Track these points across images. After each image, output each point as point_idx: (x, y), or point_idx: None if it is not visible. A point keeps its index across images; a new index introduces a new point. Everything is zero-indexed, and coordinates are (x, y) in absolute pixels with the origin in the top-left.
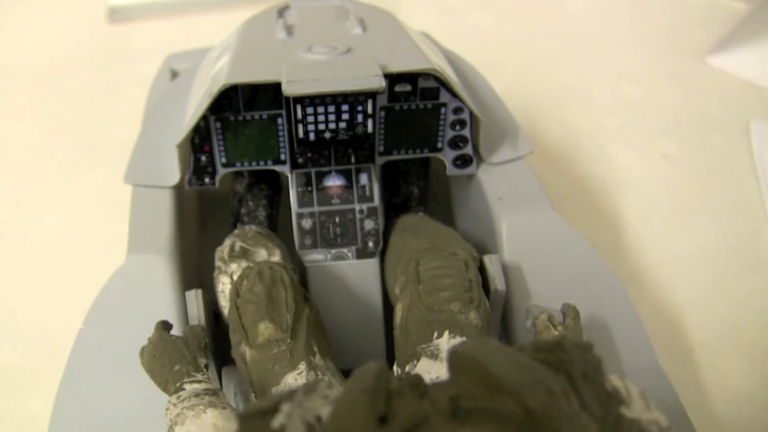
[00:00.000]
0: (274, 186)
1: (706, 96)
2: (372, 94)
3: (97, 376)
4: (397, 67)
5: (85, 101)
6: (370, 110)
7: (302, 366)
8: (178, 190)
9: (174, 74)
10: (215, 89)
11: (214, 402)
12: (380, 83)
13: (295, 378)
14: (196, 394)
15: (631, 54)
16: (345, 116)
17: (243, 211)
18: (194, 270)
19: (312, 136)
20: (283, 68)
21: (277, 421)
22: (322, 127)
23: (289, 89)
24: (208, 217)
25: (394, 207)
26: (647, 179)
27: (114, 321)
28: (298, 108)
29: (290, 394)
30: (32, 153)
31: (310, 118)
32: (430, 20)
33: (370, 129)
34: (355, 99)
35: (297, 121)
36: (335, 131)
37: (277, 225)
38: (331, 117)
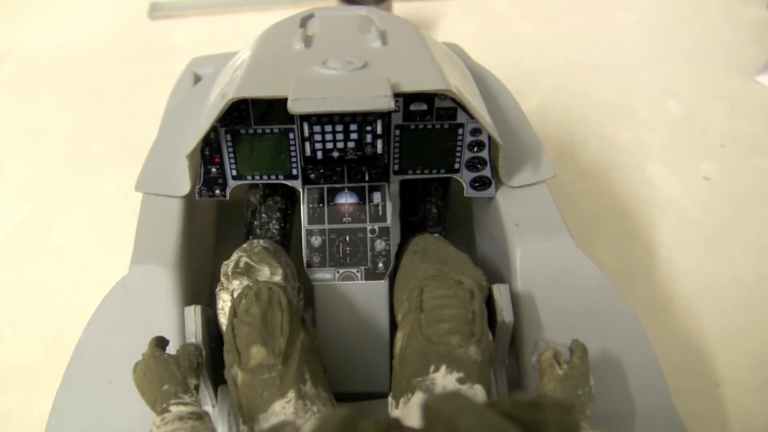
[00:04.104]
0: (289, 199)
1: (754, 116)
2: (382, 115)
3: (94, 387)
4: (410, 87)
5: (119, 97)
6: (379, 131)
7: (291, 394)
8: (189, 200)
9: (197, 79)
10: (224, 102)
11: (197, 428)
12: (389, 104)
13: (282, 406)
14: (180, 418)
15: (677, 69)
16: (353, 136)
17: (256, 223)
18: (208, 282)
19: (319, 155)
20: (290, 84)
21: None
22: (330, 146)
23: (294, 107)
24: (225, 227)
25: (410, 226)
26: (685, 201)
27: (114, 332)
28: (305, 126)
29: None
30: (63, 146)
31: (317, 137)
32: (471, 27)
33: (379, 150)
34: (363, 119)
35: (304, 139)
36: (343, 150)
37: (290, 239)
38: (339, 136)
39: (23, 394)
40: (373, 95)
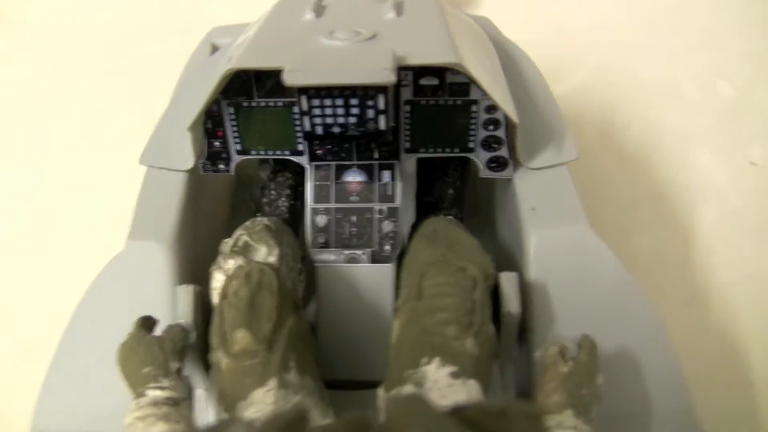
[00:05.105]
0: (301, 175)
1: None
2: (383, 89)
3: (85, 366)
4: (416, 60)
5: (150, 70)
6: (381, 106)
7: (272, 383)
8: (194, 175)
9: (215, 49)
10: (222, 73)
11: (169, 414)
12: (389, 78)
13: (263, 394)
14: (155, 403)
15: (728, 49)
16: (354, 111)
17: (265, 200)
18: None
19: (319, 130)
20: (289, 55)
21: None
22: (330, 121)
23: (288, 79)
24: (240, 203)
25: (425, 206)
26: (729, 188)
27: (106, 310)
28: (303, 99)
29: None
30: (91, 120)
31: (317, 111)
32: (517, 2)
33: (382, 126)
34: (365, 93)
35: (303, 113)
36: (344, 126)
37: (300, 216)
38: (340, 111)
39: (34, 368)
40: (373, 68)
